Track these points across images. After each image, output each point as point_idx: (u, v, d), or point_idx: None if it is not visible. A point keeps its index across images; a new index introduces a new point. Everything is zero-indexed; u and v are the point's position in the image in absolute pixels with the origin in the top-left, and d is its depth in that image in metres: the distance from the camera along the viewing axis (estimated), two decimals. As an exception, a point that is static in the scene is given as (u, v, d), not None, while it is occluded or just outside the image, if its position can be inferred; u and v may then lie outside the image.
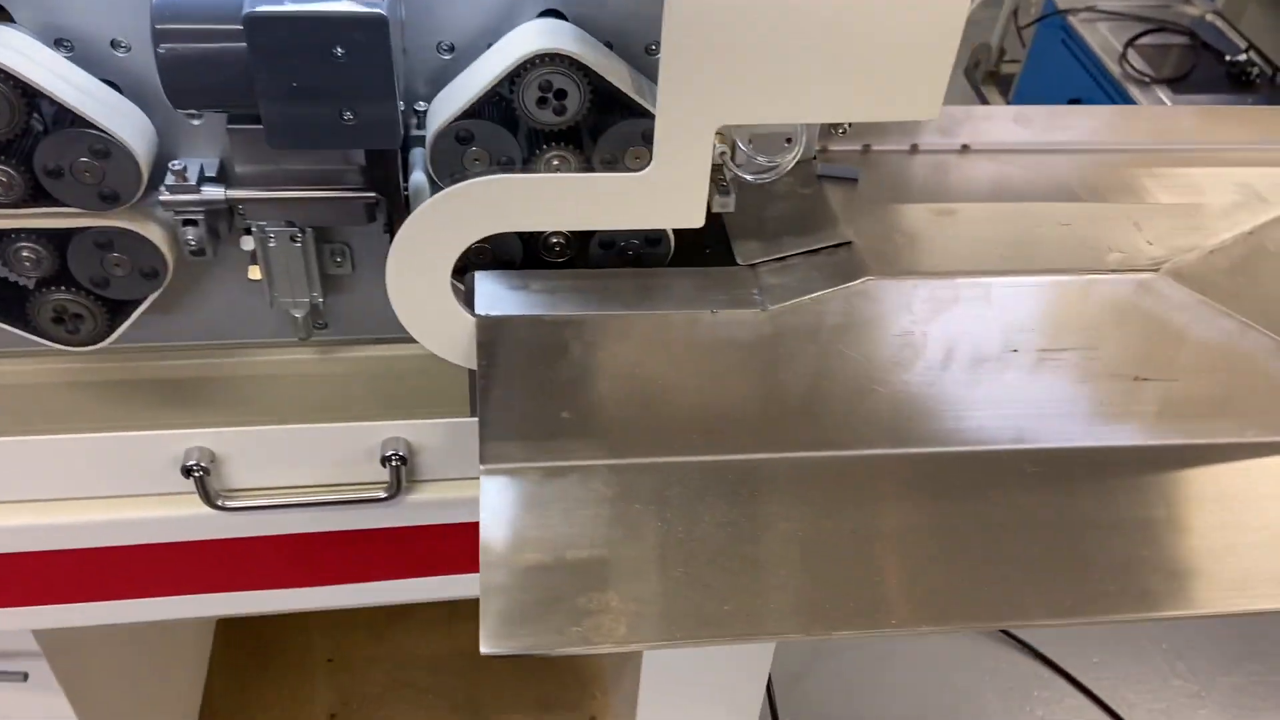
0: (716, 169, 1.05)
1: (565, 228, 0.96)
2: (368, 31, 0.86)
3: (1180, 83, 2.81)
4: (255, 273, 1.14)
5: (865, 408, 1.08)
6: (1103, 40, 3.40)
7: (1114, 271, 1.05)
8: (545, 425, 1.05)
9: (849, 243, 1.06)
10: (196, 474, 1.06)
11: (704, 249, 1.17)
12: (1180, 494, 1.09)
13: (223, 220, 1.09)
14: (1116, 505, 1.07)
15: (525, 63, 0.95)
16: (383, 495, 1.10)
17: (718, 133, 1.01)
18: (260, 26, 0.85)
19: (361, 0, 0.87)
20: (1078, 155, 1.25)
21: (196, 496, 1.09)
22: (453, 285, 1.04)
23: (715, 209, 1.08)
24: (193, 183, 1.01)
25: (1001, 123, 1.23)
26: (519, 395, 1.03)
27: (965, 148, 1.24)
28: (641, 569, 0.98)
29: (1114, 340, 1.08)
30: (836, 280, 1.03)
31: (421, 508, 1.13)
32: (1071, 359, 1.08)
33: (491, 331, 1.00)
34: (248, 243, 1.11)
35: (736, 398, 1.06)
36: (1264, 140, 1.29)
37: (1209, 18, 3.43)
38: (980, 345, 1.06)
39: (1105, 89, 2.98)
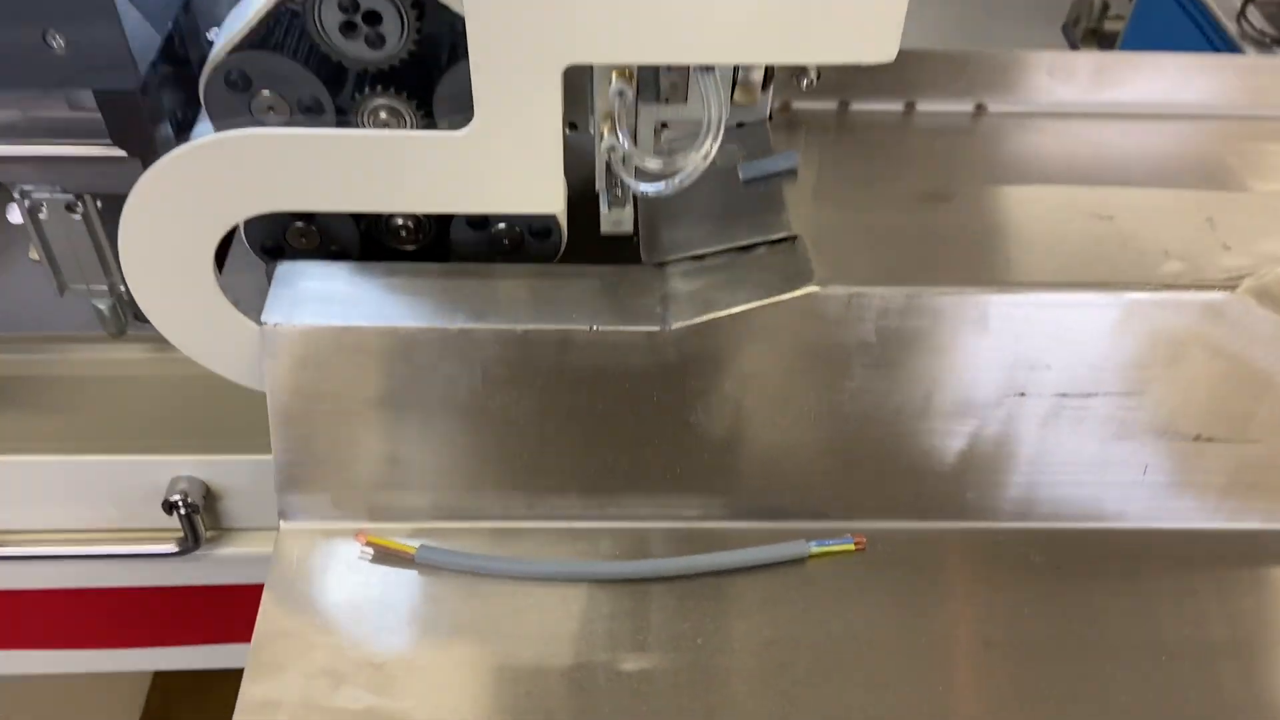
0: (610, 175, 0.76)
1: (358, 208, 0.69)
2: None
3: (1312, 48, 2.39)
4: (35, 253, 0.88)
5: (803, 465, 0.79)
6: (1221, -6, 2.98)
7: (1171, 288, 0.74)
8: (364, 473, 0.78)
9: (794, 237, 0.77)
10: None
11: (631, 239, 0.88)
12: (1250, 602, 0.78)
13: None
14: (1156, 615, 0.76)
15: (320, -27, 0.67)
16: (173, 549, 0.84)
17: (606, 117, 0.70)
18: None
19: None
20: (1137, 121, 0.92)
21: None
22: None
23: (607, 228, 0.79)
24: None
25: (1032, 74, 0.91)
26: (328, 433, 0.76)
27: (980, 109, 0.92)
28: (451, 681, 0.71)
29: (1166, 385, 0.77)
30: (769, 290, 0.74)
31: (230, 565, 0.88)
32: (1104, 408, 0.77)
33: (287, 346, 0.73)
34: (14, 214, 0.85)
35: (623, 446, 0.77)
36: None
37: (1354, -31, 2.96)
38: (971, 386, 0.76)
39: (1220, 51, 2.59)
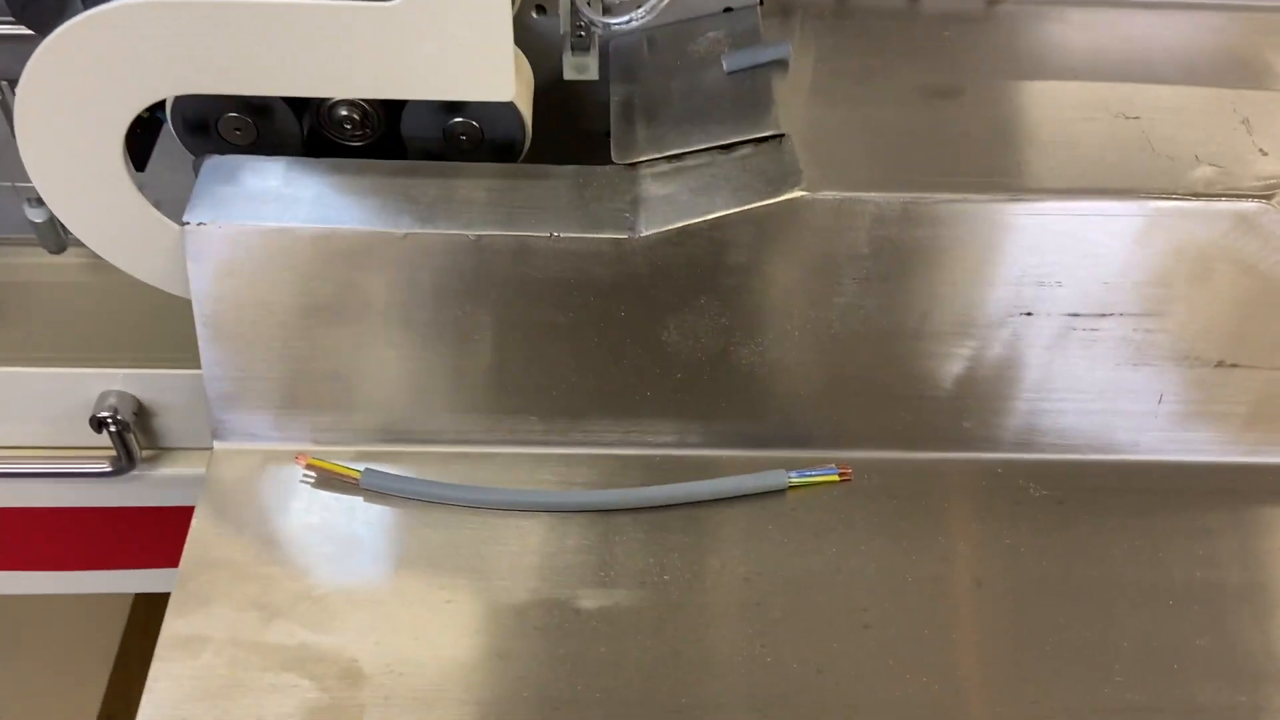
0: (573, 14, 0.68)
1: (278, 90, 0.61)
2: None
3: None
4: (-46, 144, 0.81)
5: (785, 389, 0.72)
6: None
7: (1200, 196, 0.66)
8: (305, 391, 0.72)
9: (781, 136, 0.69)
10: None
11: (607, 134, 0.80)
12: (1269, 542, 0.72)
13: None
14: (1166, 554, 0.70)
15: None
16: (107, 468, 0.78)
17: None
18: None
19: None
20: (1171, 11, 0.83)
21: None
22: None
23: (569, 74, 0.71)
24: None
25: (1054, -41, 0.82)
26: (262, 347, 0.70)
27: (995, -4, 0.83)
28: (395, 616, 0.65)
29: (1188, 305, 0.69)
30: (751, 195, 0.66)
31: (174, 485, 0.82)
32: (1118, 330, 0.70)
33: (211, 250, 0.66)
34: (-80, 97, 0.77)
35: (588, 365, 0.71)
36: None
37: None
38: (973, 304, 0.69)
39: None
